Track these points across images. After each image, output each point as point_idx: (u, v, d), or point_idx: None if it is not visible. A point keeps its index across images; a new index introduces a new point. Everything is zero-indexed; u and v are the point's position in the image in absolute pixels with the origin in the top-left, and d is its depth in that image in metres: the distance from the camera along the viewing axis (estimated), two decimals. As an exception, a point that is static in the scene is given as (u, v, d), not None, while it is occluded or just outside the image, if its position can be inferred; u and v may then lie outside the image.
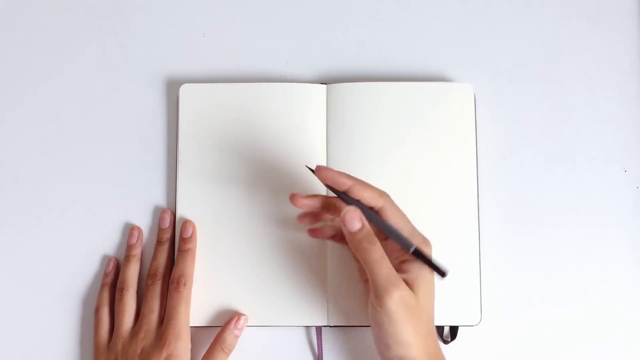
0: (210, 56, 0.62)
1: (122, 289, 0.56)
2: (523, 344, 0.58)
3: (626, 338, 0.58)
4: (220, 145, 0.59)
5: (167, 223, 0.58)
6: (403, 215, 0.51)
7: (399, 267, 0.49)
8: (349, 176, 0.50)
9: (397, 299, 0.47)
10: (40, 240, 0.59)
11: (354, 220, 0.48)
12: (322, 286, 0.57)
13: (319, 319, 0.57)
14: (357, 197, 0.49)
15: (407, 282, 0.48)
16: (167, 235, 0.58)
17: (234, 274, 0.57)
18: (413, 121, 0.59)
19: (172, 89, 0.61)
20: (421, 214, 0.57)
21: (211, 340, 0.55)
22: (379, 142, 0.58)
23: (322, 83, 0.60)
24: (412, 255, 0.48)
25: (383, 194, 0.50)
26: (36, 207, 0.60)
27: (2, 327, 0.58)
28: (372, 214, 0.50)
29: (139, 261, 0.58)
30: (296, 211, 0.57)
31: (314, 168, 0.51)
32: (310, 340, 0.58)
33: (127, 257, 0.58)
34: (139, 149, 0.60)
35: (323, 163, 0.58)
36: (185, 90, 0.59)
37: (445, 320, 0.57)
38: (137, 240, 0.58)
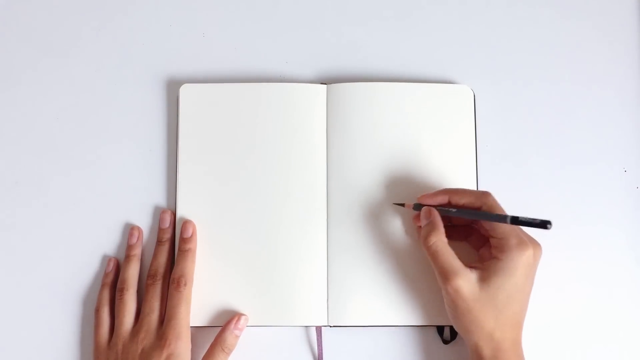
0: (210, 56, 0.62)
1: (122, 289, 0.56)
2: (522, 344, 0.58)
3: (626, 338, 0.58)
4: (221, 145, 0.59)
5: (167, 223, 0.58)
6: (502, 211, 0.52)
7: (488, 263, 0.51)
8: (445, 191, 0.54)
9: (451, 291, 0.50)
10: (40, 240, 0.59)
11: (424, 216, 0.53)
12: (322, 286, 0.57)
13: (319, 319, 0.57)
14: (459, 205, 0.53)
15: (482, 276, 0.50)
16: (167, 235, 0.58)
17: (234, 274, 0.57)
18: (413, 122, 0.59)
19: (172, 89, 0.61)
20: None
21: (211, 340, 0.55)
22: (378, 142, 0.58)
23: (322, 83, 0.60)
24: (511, 223, 0.50)
25: (481, 195, 0.53)
26: (36, 207, 0.60)
27: (2, 327, 0.58)
28: (462, 211, 0.53)
29: (139, 261, 0.58)
30: (296, 211, 0.57)
31: (402, 203, 0.57)
32: (310, 340, 0.58)
33: (127, 257, 0.58)
34: (139, 148, 0.60)
35: (323, 163, 0.58)
36: (185, 90, 0.59)
37: (445, 320, 0.57)
38: (137, 240, 0.58)
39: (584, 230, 0.59)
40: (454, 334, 0.57)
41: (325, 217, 0.58)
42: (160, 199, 0.60)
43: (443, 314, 0.56)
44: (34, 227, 0.59)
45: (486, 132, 0.60)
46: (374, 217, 0.58)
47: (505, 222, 0.50)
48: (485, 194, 0.53)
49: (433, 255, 0.51)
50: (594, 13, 0.63)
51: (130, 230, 0.59)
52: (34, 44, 0.62)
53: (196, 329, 0.57)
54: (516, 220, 0.49)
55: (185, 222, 0.57)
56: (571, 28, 0.62)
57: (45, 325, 0.58)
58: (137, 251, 0.58)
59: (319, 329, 0.58)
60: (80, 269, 0.59)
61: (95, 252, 0.59)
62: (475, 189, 0.58)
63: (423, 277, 0.57)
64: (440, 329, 0.58)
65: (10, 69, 0.62)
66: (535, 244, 0.51)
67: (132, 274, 0.57)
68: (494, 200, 0.52)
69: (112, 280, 0.58)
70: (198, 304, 0.57)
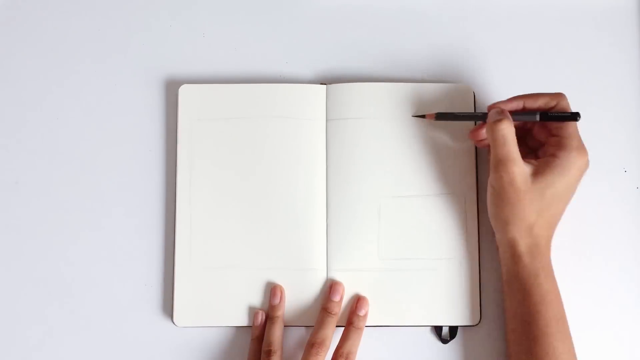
0: (210, 56, 0.62)
1: (269, 352, 0.55)
2: (523, 344, 0.58)
3: (626, 338, 0.58)
4: (220, 145, 0.59)
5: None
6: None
7: (544, 160, 0.53)
8: (518, 97, 0.55)
9: (505, 177, 0.51)
10: (39, 240, 0.59)
11: (494, 114, 0.53)
12: (322, 286, 0.57)
13: (318, 319, 0.57)
14: (534, 109, 0.54)
15: (536, 170, 0.52)
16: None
17: (234, 275, 0.57)
18: (413, 121, 0.59)
19: (171, 89, 0.61)
20: (421, 213, 0.58)
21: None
22: (378, 142, 0.58)
23: (322, 83, 0.60)
24: (541, 120, 0.53)
25: (556, 95, 0.54)
26: (36, 207, 0.60)
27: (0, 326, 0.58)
28: (537, 113, 0.54)
29: (283, 322, 0.57)
30: (295, 212, 0.57)
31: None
32: (310, 340, 0.58)
33: (272, 319, 0.56)
34: (138, 148, 0.60)
35: (322, 164, 0.58)
36: (184, 91, 0.59)
37: (445, 320, 0.57)
38: (280, 301, 0.57)
39: (584, 230, 0.59)
40: (452, 333, 0.57)
41: (325, 218, 0.58)
42: (159, 200, 0.60)
43: (442, 314, 0.57)
44: (33, 226, 0.59)
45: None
46: (374, 217, 0.58)
47: (534, 119, 0.53)
48: (560, 94, 0.54)
49: (500, 141, 0.51)
50: (594, 13, 0.62)
51: (272, 289, 0.57)
52: (33, 43, 0.62)
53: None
54: (546, 116, 0.53)
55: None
56: (571, 28, 0.62)
57: (40, 324, 0.58)
58: (280, 312, 0.56)
59: (318, 329, 0.58)
60: (80, 268, 0.59)
61: (95, 250, 0.59)
62: (476, 188, 0.58)
63: (422, 278, 0.57)
64: (438, 329, 0.58)
65: (10, 68, 0.62)
66: (585, 149, 0.53)
67: (278, 336, 0.56)
68: (567, 100, 0.54)
69: (259, 334, 0.56)
70: (199, 305, 0.57)
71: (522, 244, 0.52)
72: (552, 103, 0.54)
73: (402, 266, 0.57)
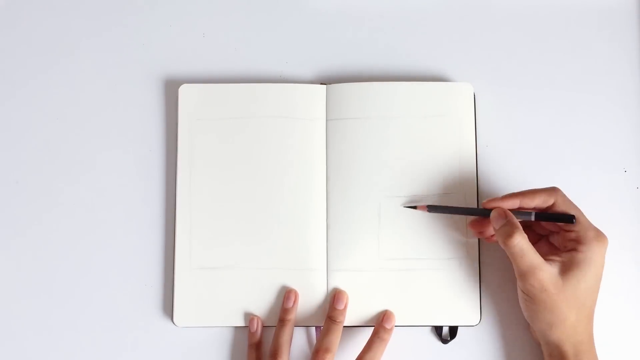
0: (210, 56, 0.62)
1: (276, 356, 0.54)
2: (523, 344, 0.58)
3: (626, 339, 0.58)
4: (220, 145, 0.59)
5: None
6: (575, 207, 0.53)
7: (567, 255, 0.51)
8: (513, 195, 0.53)
9: (536, 285, 0.50)
10: (39, 240, 0.59)
11: (498, 218, 0.52)
12: (322, 286, 0.57)
13: (319, 319, 0.57)
14: (530, 208, 0.53)
15: (562, 269, 0.51)
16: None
17: (234, 275, 0.57)
18: (413, 121, 0.59)
19: (171, 89, 0.61)
20: (421, 213, 0.57)
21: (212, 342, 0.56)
22: (378, 142, 0.58)
23: (322, 83, 0.60)
24: (536, 219, 0.53)
25: (552, 192, 0.53)
26: (36, 207, 0.60)
27: None
28: (532, 213, 0.53)
29: (293, 326, 0.56)
30: (295, 212, 0.57)
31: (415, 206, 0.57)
32: (310, 341, 0.58)
33: (282, 321, 0.56)
34: (138, 148, 0.60)
35: (322, 164, 0.58)
36: (184, 91, 0.59)
37: (445, 320, 0.57)
38: (293, 305, 0.56)
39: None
40: (452, 333, 0.57)
41: (325, 219, 0.58)
42: (159, 200, 0.60)
43: (442, 314, 0.57)
44: (33, 226, 0.59)
45: (486, 131, 0.60)
46: (374, 217, 0.58)
47: (530, 219, 0.52)
48: (555, 190, 0.53)
49: (518, 255, 0.50)
50: (594, 13, 0.62)
51: (286, 293, 0.57)
52: (33, 43, 0.62)
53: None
54: (542, 216, 0.52)
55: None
56: (572, 27, 0.62)
57: (40, 325, 0.58)
58: (292, 316, 0.56)
59: (318, 329, 0.58)
60: (80, 268, 0.59)
61: (95, 251, 0.59)
62: (476, 187, 0.58)
63: (422, 278, 0.57)
64: (438, 329, 0.58)
65: (10, 68, 0.62)
66: (604, 234, 0.52)
67: (287, 339, 0.55)
68: (563, 194, 0.53)
69: (258, 341, 0.56)
70: (199, 305, 0.57)
71: (568, 344, 0.51)
72: (550, 201, 0.53)
73: (402, 266, 0.57)
